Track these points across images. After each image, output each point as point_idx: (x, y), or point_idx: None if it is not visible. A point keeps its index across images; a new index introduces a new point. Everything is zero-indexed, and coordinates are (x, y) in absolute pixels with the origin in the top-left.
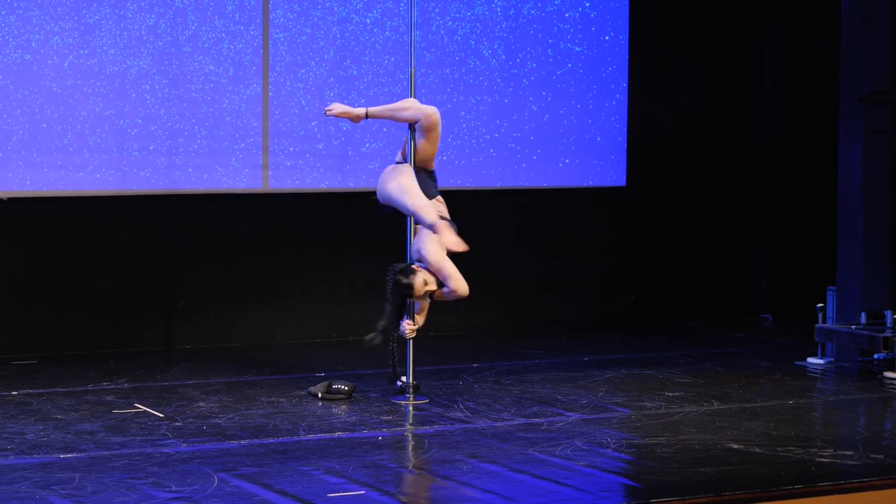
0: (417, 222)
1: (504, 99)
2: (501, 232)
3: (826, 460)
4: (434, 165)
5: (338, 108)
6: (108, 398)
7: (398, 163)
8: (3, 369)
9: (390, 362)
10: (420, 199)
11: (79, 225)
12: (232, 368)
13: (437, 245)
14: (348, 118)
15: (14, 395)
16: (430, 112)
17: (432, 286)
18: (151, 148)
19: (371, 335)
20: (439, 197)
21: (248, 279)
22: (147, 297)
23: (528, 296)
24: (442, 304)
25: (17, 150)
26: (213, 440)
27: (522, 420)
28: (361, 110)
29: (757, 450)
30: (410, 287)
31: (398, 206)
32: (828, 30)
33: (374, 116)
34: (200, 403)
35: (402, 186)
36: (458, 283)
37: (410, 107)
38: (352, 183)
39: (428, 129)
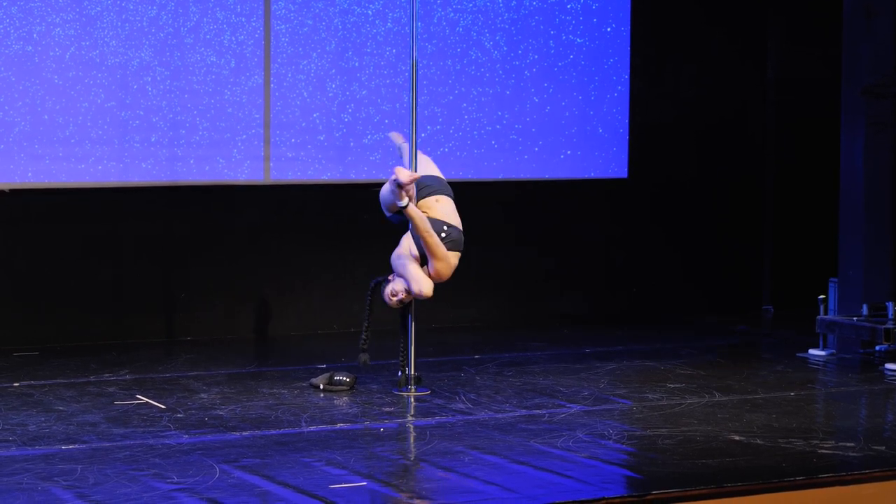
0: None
1: (506, 90)
2: (503, 223)
3: (827, 452)
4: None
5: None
6: (110, 389)
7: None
8: (6, 361)
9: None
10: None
11: (80, 216)
12: (233, 360)
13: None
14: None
15: (16, 387)
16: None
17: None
18: (153, 139)
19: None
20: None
21: (250, 271)
22: (149, 289)
23: (529, 287)
24: (443, 297)
25: (18, 141)
26: (214, 431)
27: (524, 412)
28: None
29: (758, 441)
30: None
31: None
32: (830, 22)
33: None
34: (202, 395)
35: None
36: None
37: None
38: (353, 174)
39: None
